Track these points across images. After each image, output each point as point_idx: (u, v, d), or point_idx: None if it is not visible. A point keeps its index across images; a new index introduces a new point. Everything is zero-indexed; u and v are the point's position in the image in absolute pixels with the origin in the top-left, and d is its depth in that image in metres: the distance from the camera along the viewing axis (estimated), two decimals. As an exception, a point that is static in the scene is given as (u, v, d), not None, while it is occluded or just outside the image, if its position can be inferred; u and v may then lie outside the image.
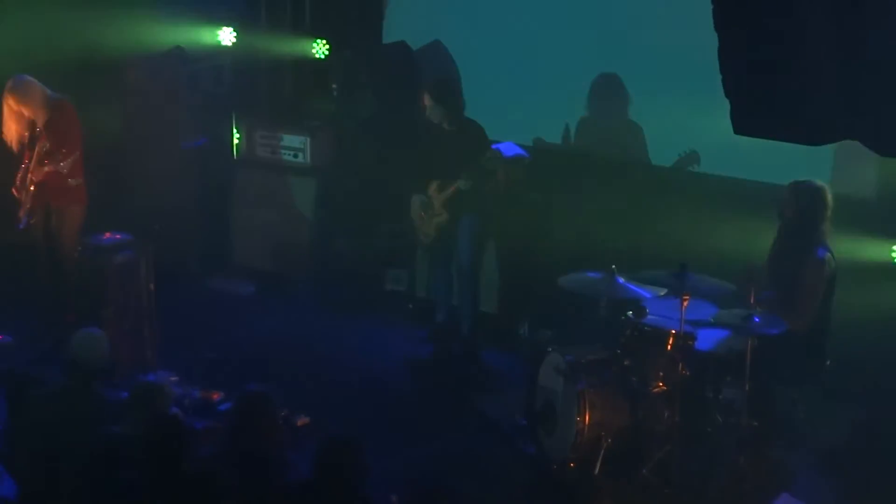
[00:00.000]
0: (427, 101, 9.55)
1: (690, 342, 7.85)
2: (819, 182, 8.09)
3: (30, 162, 9.32)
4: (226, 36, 11.82)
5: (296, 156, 11.26)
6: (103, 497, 6.30)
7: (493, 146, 10.06)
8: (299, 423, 8.18)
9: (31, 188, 9.32)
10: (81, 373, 7.12)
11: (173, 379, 8.59)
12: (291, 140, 11.29)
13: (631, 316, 8.10)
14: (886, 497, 7.56)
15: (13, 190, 9.43)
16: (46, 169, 9.21)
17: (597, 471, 7.74)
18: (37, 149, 9.29)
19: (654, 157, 10.26)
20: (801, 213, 8.08)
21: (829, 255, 8.03)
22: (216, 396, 8.45)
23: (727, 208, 9.09)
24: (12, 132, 9.33)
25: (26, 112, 9.30)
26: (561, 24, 10.44)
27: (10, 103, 9.28)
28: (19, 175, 9.42)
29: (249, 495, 6.10)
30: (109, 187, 10.52)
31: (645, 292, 7.91)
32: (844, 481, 7.73)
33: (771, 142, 4.45)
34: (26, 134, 9.35)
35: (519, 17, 10.71)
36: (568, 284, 8.13)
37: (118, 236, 9.35)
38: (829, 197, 8.05)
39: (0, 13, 10.53)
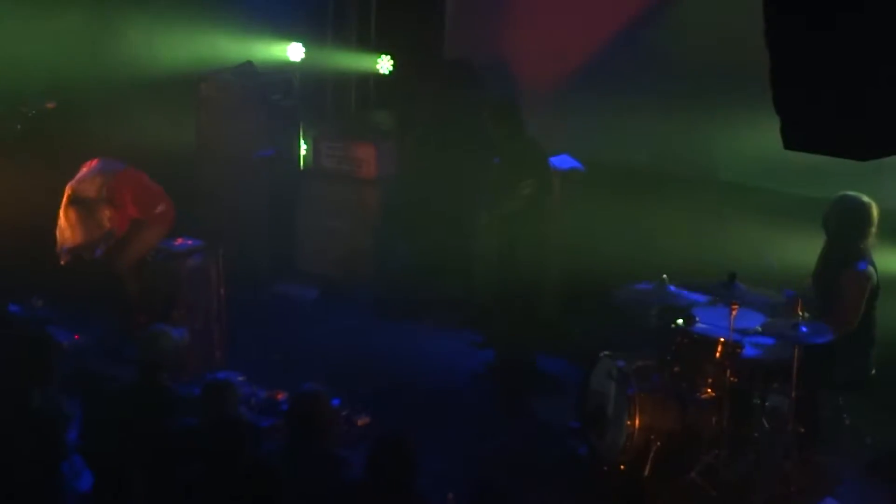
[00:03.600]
0: (487, 119, 9.50)
1: (738, 350, 7.77)
2: (865, 197, 7.92)
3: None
4: (294, 51, 11.88)
5: (360, 166, 11.27)
6: (170, 489, 6.32)
7: (551, 159, 10.04)
8: (360, 422, 8.17)
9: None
10: (148, 369, 7.15)
11: (241, 378, 8.61)
12: (356, 151, 11.30)
13: (681, 324, 8.04)
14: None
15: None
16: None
17: (646, 472, 7.69)
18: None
19: (706, 170, 10.15)
20: (843, 226, 7.94)
21: (870, 268, 7.87)
22: (280, 396, 8.45)
23: (776, 221, 8.99)
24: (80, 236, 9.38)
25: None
26: (618, 41, 10.38)
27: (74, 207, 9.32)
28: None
29: (305, 491, 6.09)
30: (182, 195, 10.57)
31: (695, 301, 7.88)
32: (888, 487, 7.62)
33: (822, 157, 4.38)
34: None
35: (578, 33, 10.65)
36: (621, 295, 8.11)
37: (190, 242, 9.40)
38: (875, 212, 7.90)
39: (81, 31, 10.62)
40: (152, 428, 6.69)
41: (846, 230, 7.93)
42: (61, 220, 9.39)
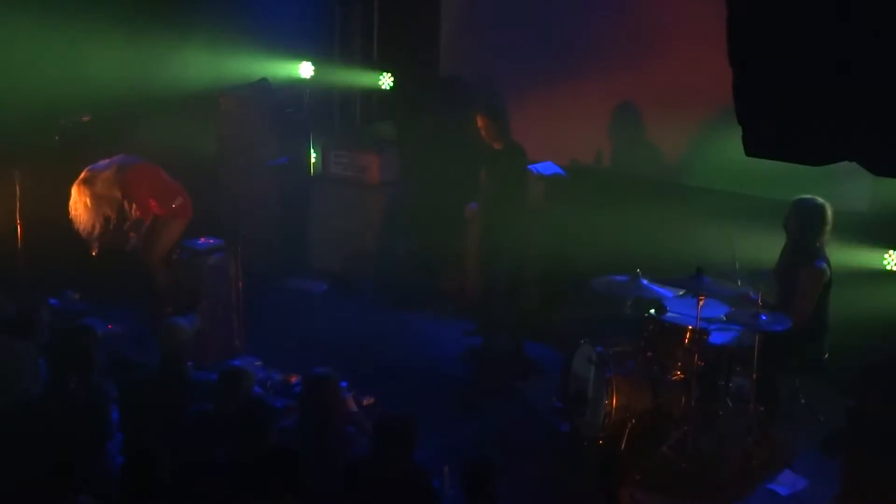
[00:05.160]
0: (480, 121, 9.49)
1: (705, 337, 7.79)
2: (820, 199, 7.94)
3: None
4: (305, 69, 11.88)
5: (364, 172, 11.27)
6: (195, 468, 6.30)
7: (535, 165, 10.05)
8: (365, 402, 8.15)
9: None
10: (169, 358, 7.13)
11: (258, 364, 8.61)
12: (361, 158, 11.30)
13: (653, 313, 8.05)
14: (875, 471, 7.45)
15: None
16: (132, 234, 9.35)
17: (622, 447, 7.70)
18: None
19: (675, 176, 10.13)
20: (803, 227, 7.96)
21: (825, 265, 7.89)
22: (294, 379, 8.44)
23: (740, 221, 8.99)
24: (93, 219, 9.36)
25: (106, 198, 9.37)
26: (595, 61, 10.38)
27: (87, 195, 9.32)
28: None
29: (317, 464, 6.09)
30: (205, 199, 10.57)
31: (666, 292, 7.87)
32: (838, 459, 7.62)
33: (779, 163, 4.38)
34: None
35: (559, 54, 10.65)
36: (599, 286, 8.10)
37: (212, 241, 9.40)
38: (829, 213, 7.91)
39: (116, 51, 10.59)
40: (177, 411, 6.67)
41: (805, 230, 7.93)
42: (73, 196, 9.35)
